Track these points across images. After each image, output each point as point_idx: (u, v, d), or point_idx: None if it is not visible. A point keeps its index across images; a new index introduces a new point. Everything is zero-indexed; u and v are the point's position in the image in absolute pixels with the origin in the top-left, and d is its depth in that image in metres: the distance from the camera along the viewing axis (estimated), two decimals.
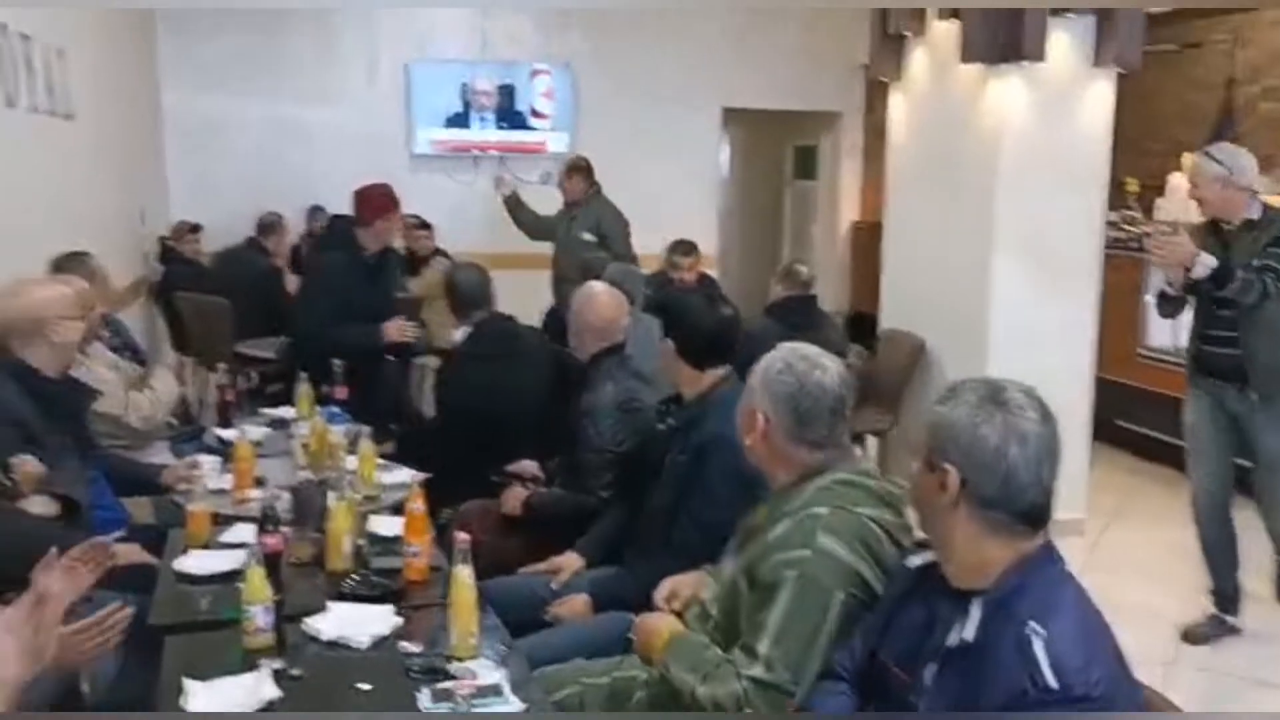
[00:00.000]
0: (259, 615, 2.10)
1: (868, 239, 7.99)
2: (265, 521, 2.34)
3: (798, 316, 4.70)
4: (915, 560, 1.79)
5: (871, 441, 5.51)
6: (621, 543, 2.83)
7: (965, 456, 1.61)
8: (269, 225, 6.41)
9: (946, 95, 5.07)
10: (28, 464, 2.50)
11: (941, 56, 5.03)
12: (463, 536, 2.18)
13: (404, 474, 3.23)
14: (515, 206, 6.40)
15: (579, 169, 6.26)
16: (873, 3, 5.47)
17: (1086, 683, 1.49)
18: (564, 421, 3.20)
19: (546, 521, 3.13)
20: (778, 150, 10.53)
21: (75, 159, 4.73)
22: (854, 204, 9.36)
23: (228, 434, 3.48)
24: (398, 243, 5.30)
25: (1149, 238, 4.05)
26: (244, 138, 7.64)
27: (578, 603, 2.66)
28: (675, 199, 8.62)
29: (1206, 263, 3.47)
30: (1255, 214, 3.60)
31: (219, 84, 7.53)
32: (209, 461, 3.18)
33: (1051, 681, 1.49)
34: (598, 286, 3.30)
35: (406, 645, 2.15)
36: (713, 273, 9.13)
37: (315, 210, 7.03)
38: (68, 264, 3.64)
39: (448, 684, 1.96)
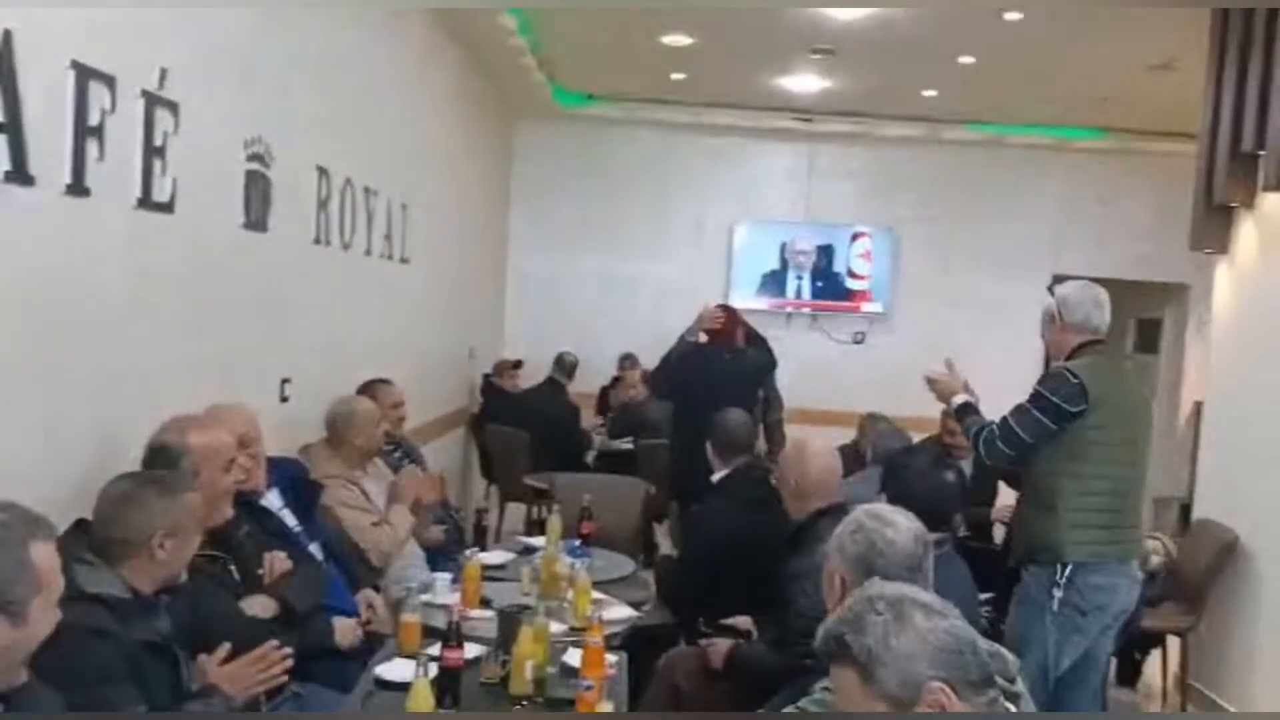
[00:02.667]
0: None
1: None
2: (448, 638, 2.48)
3: None
4: None
5: (1173, 643, 4.85)
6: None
7: (948, 663, 1.50)
8: (563, 362, 6.87)
9: (1277, 271, 4.59)
10: (278, 559, 2.81)
11: (1272, 229, 4.60)
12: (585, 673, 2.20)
13: (621, 611, 3.30)
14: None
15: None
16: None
17: None
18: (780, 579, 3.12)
19: (751, 676, 3.05)
20: (1118, 322, 9.83)
21: (408, 298, 5.37)
22: (1200, 383, 8.51)
23: (475, 556, 3.73)
24: None
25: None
26: (575, 289, 8.34)
27: None
28: (997, 365, 8.32)
29: (955, 401, 3.56)
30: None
31: (559, 242, 8.35)
32: (442, 579, 3.39)
33: None
34: (814, 443, 3.24)
35: None
36: None
37: (625, 358, 7.39)
38: (367, 388, 4.13)
39: None
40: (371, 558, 3.61)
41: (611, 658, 2.84)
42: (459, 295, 6.62)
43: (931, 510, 2.69)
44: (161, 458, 2.54)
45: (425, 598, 3.22)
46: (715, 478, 3.80)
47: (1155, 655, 5.07)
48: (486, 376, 7.30)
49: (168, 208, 2.75)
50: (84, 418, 2.48)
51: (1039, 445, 3.28)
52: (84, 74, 2.34)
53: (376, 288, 4.78)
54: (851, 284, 8.59)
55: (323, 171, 3.95)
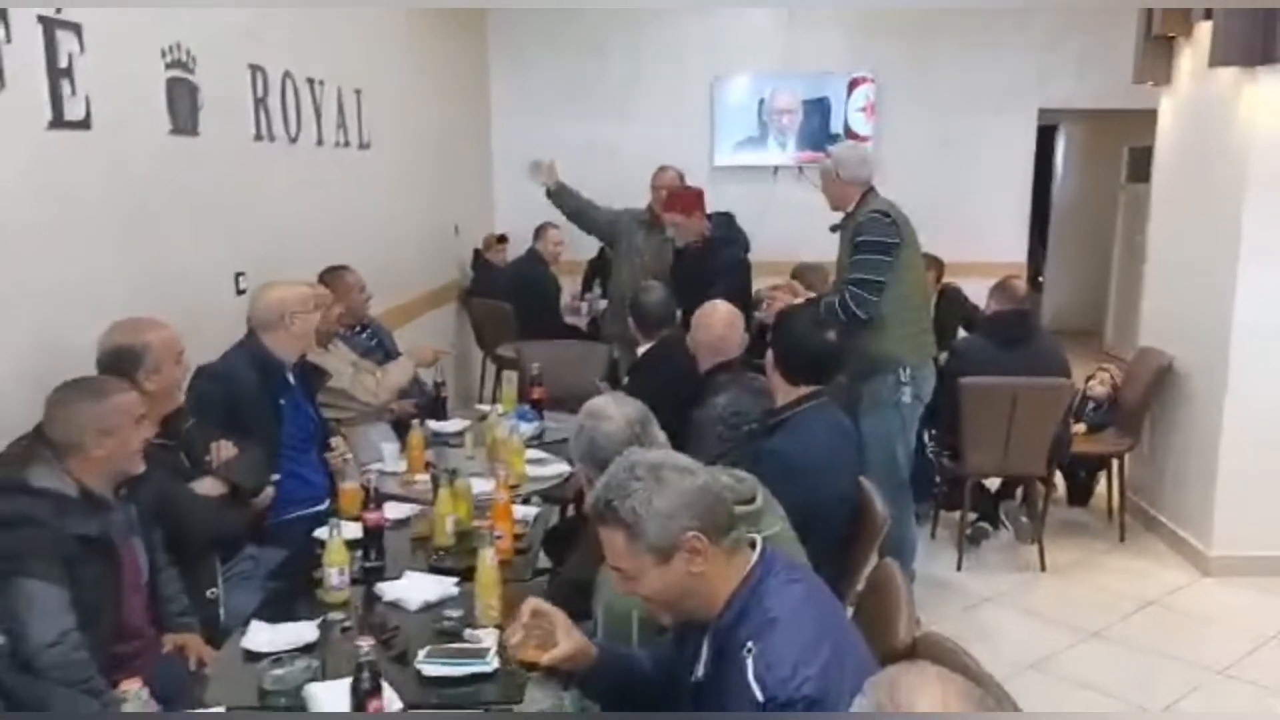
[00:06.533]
0: (334, 576, 2.54)
1: None
2: (367, 499, 2.78)
3: (1009, 332, 4.53)
4: None
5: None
6: None
7: (701, 514, 1.72)
8: (538, 231, 7.03)
9: (1206, 100, 4.63)
10: (224, 446, 3.07)
11: (1204, 59, 4.60)
12: (486, 524, 2.48)
13: (556, 468, 3.59)
14: (558, 195, 6.04)
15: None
16: None
17: (790, 688, 1.53)
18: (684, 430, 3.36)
19: None
20: (1113, 151, 9.79)
21: (374, 182, 5.53)
22: None
23: (435, 425, 4.05)
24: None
25: None
26: (558, 158, 8.35)
27: None
28: (987, 203, 8.40)
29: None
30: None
31: (540, 112, 8.36)
32: (391, 448, 3.69)
33: (758, 696, 1.54)
34: (718, 304, 3.44)
35: (449, 611, 2.47)
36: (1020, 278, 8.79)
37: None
38: (328, 275, 4.36)
39: (447, 644, 2.27)
40: (359, 395, 3.97)
41: (531, 510, 3.15)
42: (436, 174, 6.75)
43: (813, 367, 2.92)
44: (126, 357, 2.74)
45: (376, 466, 3.53)
46: (639, 350, 4.03)
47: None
48: (476, 251, 7.50)
49: (83, 125, 2.94)
50: (19, 331, 2.71)
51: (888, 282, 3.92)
52: None
53: (334, 176, 4.94)
54: (836, 132, 8.52)
55: (256, 69, 4.08)
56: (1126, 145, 9.48)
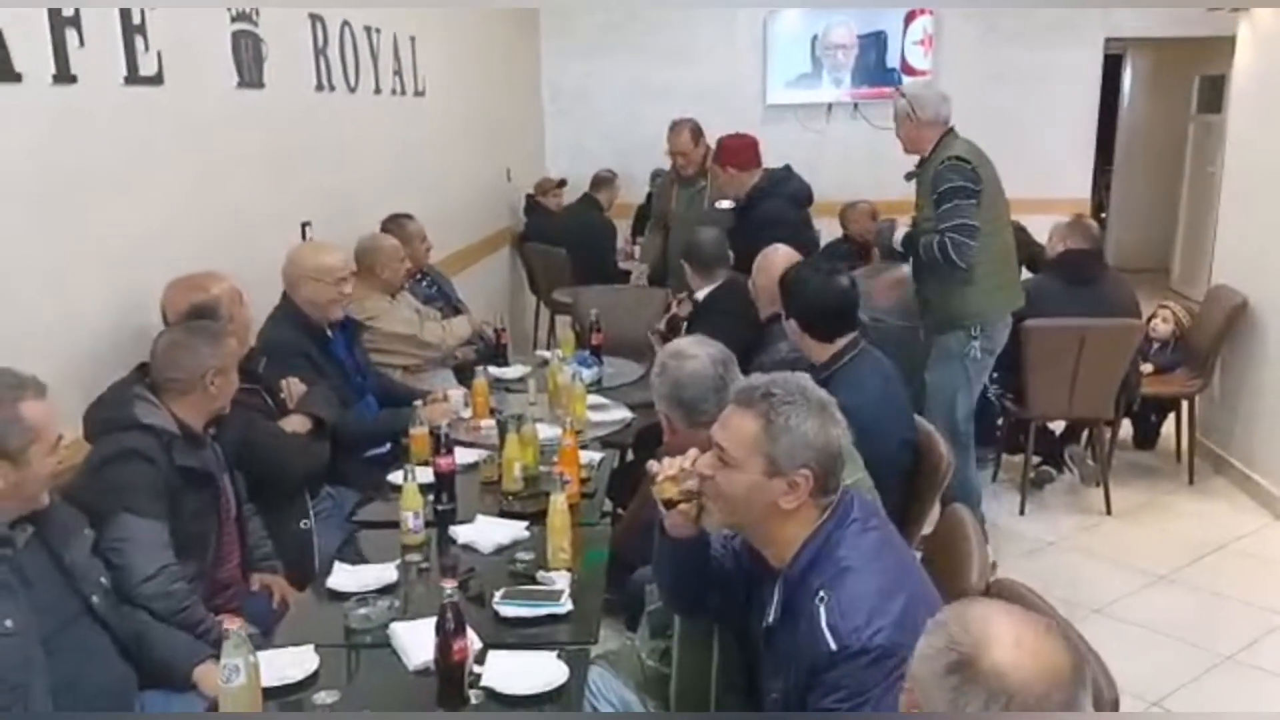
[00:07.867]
0: (410, 519, 2.61)
1: None
2: (439, 446, 2.84)
3: (1078, 272, 4.45)
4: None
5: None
6: None
7: (823, 463, 1.74)
8: (600, 181, 7.02)
9: None
10: (293, 383, 3.17)
11: None
12: (555, 468, 2.52)
13: (617, 414, 3.62)
14: None
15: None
16: None
17: (863, 637, 1.55)
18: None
19: None
20: (1183, 81, 9.48)
21: (429, 129, 5.55)
22: None
23: (496, 371, 4.11)
24: None
25: None
26: (609, 99, 8.34)
27: None
28: (1048, 138, 8.19)
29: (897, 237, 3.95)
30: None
31: (590, 52, 8.29)
32: (457, 394, 3.74)
33: (831, 644, 1.56)
34: (779, 248, 3.42)
35: (522, 554, 2.54)
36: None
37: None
38: (390, 223, 4.41)
39: (522, 586, 2.33)
40: (423, 336, 4.04)
41: (596, 456, 3.19)
42: (488, 119, 6.75)
43: (838, 318, 2.91)
44: (205, 312, 2.80)
45: None
46: (699, 295, 4.02)
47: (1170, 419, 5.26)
48: (529, 196, 7.50)
49: (156, 80, 2.99)
50: (100, 280, 2.79)
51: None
52: None
53: (391, 124, 4.97)
54: (892, 67, 8.35)
55: (316, 19, 4.10)
56: (1198, 74, 9.16)
